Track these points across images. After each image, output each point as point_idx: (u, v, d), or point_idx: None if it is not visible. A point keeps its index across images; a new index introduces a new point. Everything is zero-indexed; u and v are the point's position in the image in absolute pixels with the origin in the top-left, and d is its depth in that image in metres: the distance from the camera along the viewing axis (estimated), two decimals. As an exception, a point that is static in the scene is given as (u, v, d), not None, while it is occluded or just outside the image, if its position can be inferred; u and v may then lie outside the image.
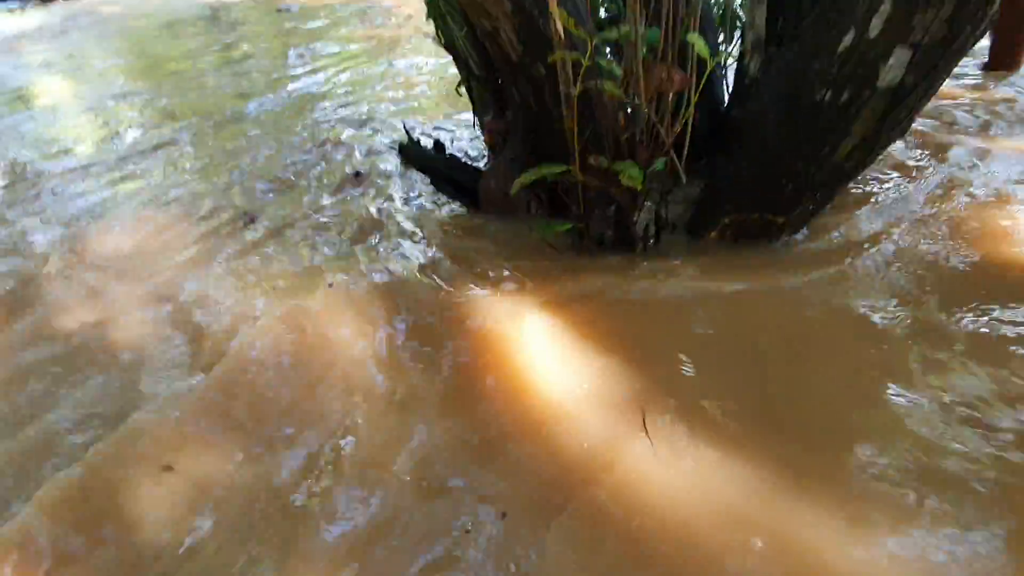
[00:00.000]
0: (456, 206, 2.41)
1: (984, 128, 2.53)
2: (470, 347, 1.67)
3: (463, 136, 3.06)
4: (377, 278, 2.00)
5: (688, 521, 1.15)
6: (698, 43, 1.47)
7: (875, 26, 1.39)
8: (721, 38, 2.27)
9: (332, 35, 5.80)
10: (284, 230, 2.37)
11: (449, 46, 2.45)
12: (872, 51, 1.41)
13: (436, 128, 3.27)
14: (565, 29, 1.56)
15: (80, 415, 1.58)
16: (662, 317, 1.69)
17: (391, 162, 2.83)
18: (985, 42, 2.99)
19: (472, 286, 1.91)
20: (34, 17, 8.65)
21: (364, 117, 3.52)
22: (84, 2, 8.91)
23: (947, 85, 1.58)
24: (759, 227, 1.87)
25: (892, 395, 1.36)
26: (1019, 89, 2.88)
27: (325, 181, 2.77)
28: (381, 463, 1.35)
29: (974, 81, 3.00)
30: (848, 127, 1.52)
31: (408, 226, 2.31)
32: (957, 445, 1.23)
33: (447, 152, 2.76)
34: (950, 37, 1.33)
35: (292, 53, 5.33)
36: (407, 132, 2.84)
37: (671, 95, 1.66)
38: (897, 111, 1.46)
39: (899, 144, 2.34)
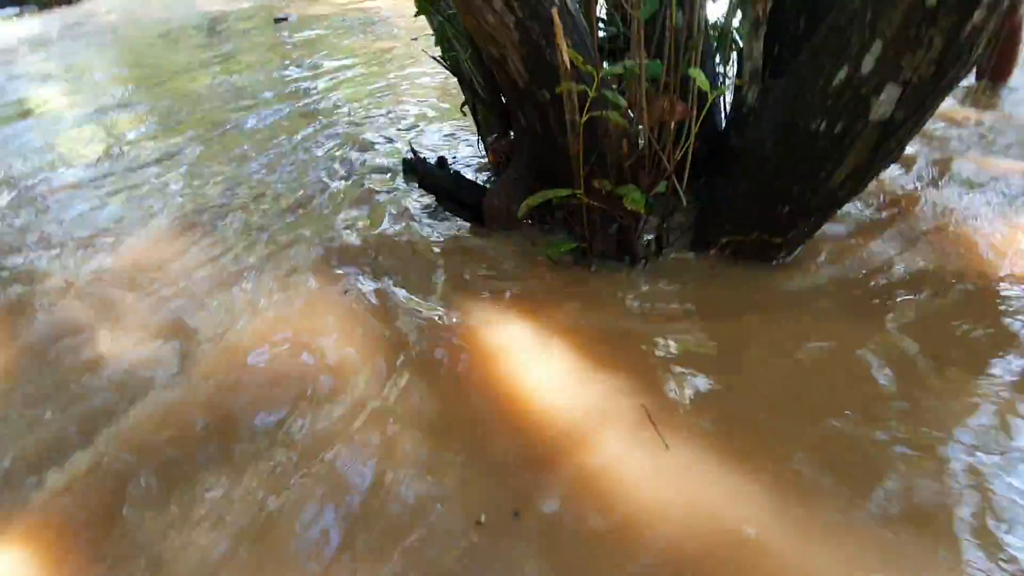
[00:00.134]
0: (459, 222, 2.47)
1: (975, 144, 2.61)
2: (469, 364, 1.73)
3: (465, 152, 3.13)
4: (381, 291, 2.06)
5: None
6: (699, 77, 1.55)
7: (867, 63, 1.47)
8: (718, 58, 2.35)
9: (333, 47, 5.86)
10: (291, 244, 2.43)
11: (455, 69, 2.51)
12: (864, 87, 1.49)
13: (442, 136, 3.33)
14: (571, 61, 1.64)
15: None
16: (660, 336, 1.76)
17: (395, 177, 2.88)
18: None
19: (474, 302, 1.97)
20: (32, 24, 8.66)
21: (367, 131, 3.58)
22: (82, 10, 8.93)
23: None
24: (757, 247, 1.95)
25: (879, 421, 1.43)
26: (1011, 104, 2.97)
27: (330, 195, 2.83)
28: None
29: (965, 91, 3.10)
30: (842, 157, 1.60)
31: (413, 241, 2.37)
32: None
33: (451, 169, 2.82)
34: (938, 76, 1.41)
35: (292, 65, 5.38)
36: (412, 148, 2.90)
37: (673, 124, 1.74)
38: (888, 143, 1.54)
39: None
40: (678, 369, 1.62)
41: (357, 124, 3.74)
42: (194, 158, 3.51)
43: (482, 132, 2.69)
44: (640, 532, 1.22)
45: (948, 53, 1.37)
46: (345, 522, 1.31)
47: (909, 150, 2.54)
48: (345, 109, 4.05)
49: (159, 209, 2.89)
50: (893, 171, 2.39)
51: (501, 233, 2.33)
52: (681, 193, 1.87)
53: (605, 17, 2.32)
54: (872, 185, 2.26)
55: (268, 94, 4.61)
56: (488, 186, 2.47)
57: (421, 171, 2.60)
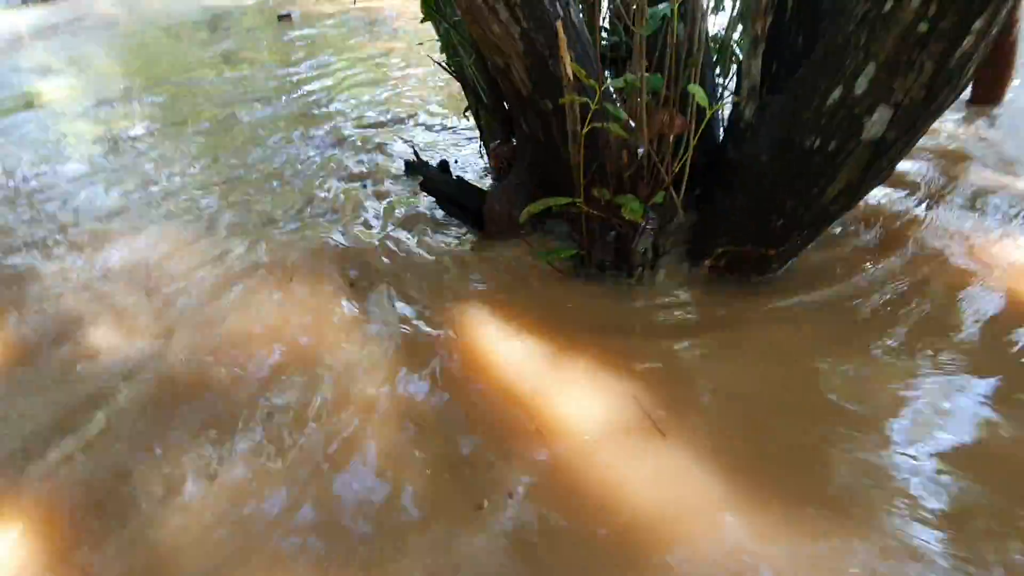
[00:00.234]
0: (460, 226, 2.51)
1: (971, 163, 2.66)
2: (462, 364, 1.77)
3: (466, 155, 3.17)
4: (380, 292, 2.11)
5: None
6: (698, 93, 1.59)
7: (861, 85, 1.52)
8: (718, 70, 2.40)
9: (335, 46, 5.89)
10: (291, 244, 2.47)
11: (459, 75, 2.56)
12: (858, 107, 1.54)
13: (444, 139, 3.37)
14: (574, 74, 1.68)
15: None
16: (655, 344, 1.80)
17: (397, 180, 2.92)
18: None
19: (470, 305, 2.02)
20: (35, 15, 8.66)
21: (367, 131, 3.62)
22: (84, 1, 8.92)
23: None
24: (751, 258, 2.00)
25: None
26: (1004, 123, 3.03)
27: (330, 195, 2.86)
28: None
29: (957, 116, 3.16)
30: (835, 173, 1.65)
31: (413, 244, 2.41)
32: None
33: (453, 173, 2.86)
34: (928, 99, 1.46)
35: (294, 63, 5.41)
36: (415, 151, 2.94)
37: (672, 137, 1.78)
38: (880, 161, 1.59)
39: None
40: (671, 373, 1.67)
41: (358, 124, 3.77)
42: (194, 154, 3.54)
43: (484, 137, 2.73)
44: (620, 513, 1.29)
45: (938, 77, 1.43)
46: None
47: (910, 168, 2.60)
48: (346, 108, 4.09)
49: (159, 204, 2.92)
50: (892, 192, 2.43)
51: (501, 237, 2.37)
52: (678, 204, 1.92)
53: (608, 26, 2.37)
54: (872, 205, 2.33)
55: (270, 91, 4.65)
56: (489, 190, 2.52)
57: (424, 174, 2.64)
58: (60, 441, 1.61)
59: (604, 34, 2.29)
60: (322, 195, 2.87)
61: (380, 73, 4.84)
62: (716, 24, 2.41)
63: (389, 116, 3.85)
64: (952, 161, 2.66)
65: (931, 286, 1.92)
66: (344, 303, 2.09)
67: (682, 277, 2.06)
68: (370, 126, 3.72)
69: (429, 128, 3.62)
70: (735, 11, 2.29)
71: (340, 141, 3.51)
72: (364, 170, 3.07)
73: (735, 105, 1.94)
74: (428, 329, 1.93)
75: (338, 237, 2.50)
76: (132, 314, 2.13)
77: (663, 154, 1.82)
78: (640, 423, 1.51)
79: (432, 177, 2.58)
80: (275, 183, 3.06)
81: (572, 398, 1.61)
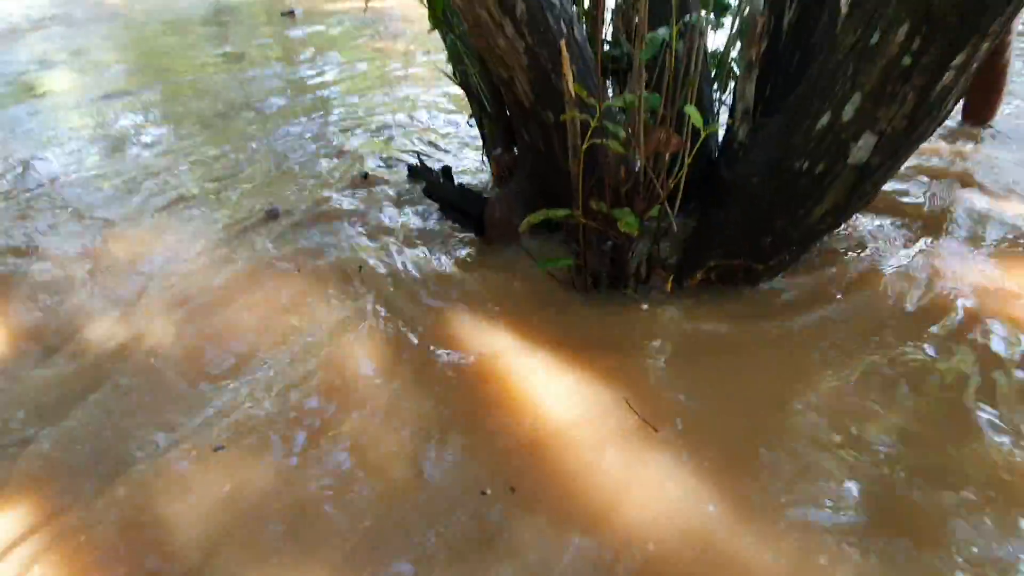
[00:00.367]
0: (460, 231, 2.57)
1: (962, 183, 2.75)
2: (459, 368, 1.85)
3: (467, 161, 3.23)
4: (378, 296, 2.18)
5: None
6: (694, 115, 1.67)
7: (848, 112, 1.60)
8: (715, 85, 2.48)
9: (338, 44, 5.94)
10: (290, 246, 2.53)
11: (464, 83, 2.63)
12: (844, 133, 1.62)
13: (445, 143, 3.44)
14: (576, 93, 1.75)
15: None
16: (647, 351, 1.88)
17: (399, 184, 2.99)
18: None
19: (468, 310, 2.09)
20: (38, 2, 8.64)
21: (369, 133, 3.67)
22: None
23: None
24: (741, 272, 2.08)
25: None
26: (994, 144, 3.13)
27: (330, 198, 2.91)
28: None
29: (951, 131, 3.25)
30: (823, 195, 1.74)
31: (413, 249, 2.48)
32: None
33: (455, 179, 2.93)
34: (910, 129, 1.55)
35: (297, 59, 5.46)
36: (418, 156, 3.00)
37: (667, 155, 1.86)
38: (864, 185, 1.68)
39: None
40: (663, 379, 1.75)
41: (359, 125, 3.82)
42: (193, 148, 3.58)
43: (487, 144, 2.80)
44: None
45: (920, 109, 1.51)
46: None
47: (906, 189, 2.69)
48: (347, 109, 4.14)
49: (158, 198, 2.98)
50: (879, 222, 2.51)
51: (501, 243, 2.45)
52: (672, 218, 2.00)
53: (610, 39, 2.44)
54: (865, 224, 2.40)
55: (272, 87, 4.69)
56: (490, 197, 2.59)
57: (427, 179, 2.71)
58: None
59: (606, 46, 2.36)
60: (325, 194, 2.92)
61: (382, 74, 4.89)
62: (715, 39, 2.49)
63: (389, 118, 3.90)
64: (945, 181, 2.74)
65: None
66: (343, 302, 2.16)
67: (675, 288, 2.14)
68: (370, 127, 3.77)
69: (431, 132, 3.68)
70: (734, 29, 2.37)
71: (343, 144, 3.56)
72: (367, 171, 3.12)
73: (729, 126, 2.02)
74: (425, 330, 2.00)
75: (340, 237, 2.56)
76: (133, 304, 2.19)
77: (659, 170, 1.90)
78: (632, 424, 1.59)
79: (435, 183, 2.65)
80: (278, 180, 3.12)
81: (565, 401, 1.69)
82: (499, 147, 2.68)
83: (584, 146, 1.85)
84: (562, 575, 1.27)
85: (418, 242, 2.52)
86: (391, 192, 2.92)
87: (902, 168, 1.80)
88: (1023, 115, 3.41)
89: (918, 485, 1.41)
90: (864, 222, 2.42)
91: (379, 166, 3.20)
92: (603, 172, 1.99)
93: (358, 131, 3.73)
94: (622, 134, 1.79)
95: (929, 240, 2.31)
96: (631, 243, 2.09)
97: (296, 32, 6.57)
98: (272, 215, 2.72)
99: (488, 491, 1.44)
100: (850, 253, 2.25)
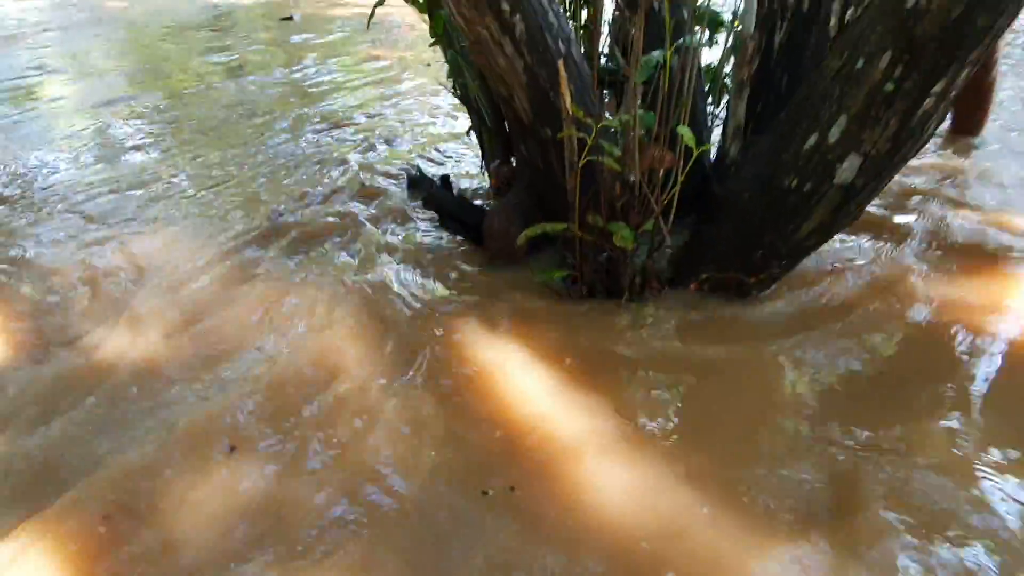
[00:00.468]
0: (457, 241, 2.63)
1: (952, 196, 2.82)
2: (456, 377, 1.90)
3: (465, 172, 3.29)
4: (376, 302, 2.24)
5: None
6: (686, 135, 1.74)
7: (834, 134, 1.67)
8: (710, 99, 2.54)
9: (337, 50, 5.99)
10: (290, 247, 2.59)
11: (464, 96, 2.69)
12: (831, 153, 1.69)
13: (443, 153, 3.49)
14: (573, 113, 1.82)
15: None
16: (639, 361, 1.94)
17: (398, 193, 3.04)
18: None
19: (464, 319, 2.14)
20: (37, 4, 8.66)
21: (368, 140, 3.72)
22: (86, -4, 8.95)
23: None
24: (732, 284, 2.15)
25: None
26: (982, 156, 3.21)
27: (330, 202, 2.97)
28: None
29: (940, 143, 3.34)
30: (810, 212, 1.80)
31: (411, 256, 2.53)
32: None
33: (454, 189, 2.99)
34: (893, 151, 1.61)
35: (296, 65, 5.50)
36: (417, 166, 3.06)
37: (661, 171, 1.93)
38: (848, 205, 1.75)
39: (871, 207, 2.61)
40: (655, 389, 1.81)
41: (358, 133, 3.87)
42: (193, 154, 3.62)
43: (486, 157, 2.86)
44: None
45: (902, 132, 1.58)
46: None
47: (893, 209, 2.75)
48: (346, 115, 4.18)
49: (157, 204, 3.02)
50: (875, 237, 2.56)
51: (499, 254, 2.50)
52: (666, 232, 2.06)
53: (608, 52, 2.51)
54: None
55: (272, 94, 4.74)
56: (489, 208, 2.64)
57: (426, 190, 2.76)
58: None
59: (603, 60, 2.43)
60: (324, 203, 2.97)
61: (381, 81, 4.94)
62: (710, 54, 2.55)
63: (388, 125, 3.95)
64: (934, 196, 2.81)
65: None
66: (343, 311, 2.21)
67: (668, 299, 2.20)
68: (369, 134, 3.81)
69: (429, 140, 3.73)
70: (728, 43, 2.44)
71: (339, 148, 3.60)
72: (363, 179, 3.17)
73: (721, 144, 2.09)
74: (424, 337, 2.06)
75: (339, 246, 2.61)
76: (136, 308, 2.24)
77: (653, 186, 1.96)
78: (624, 433, 1.65)
79: (434, 194, 2.70)
80: (278, 187, 3.16)
81: (560, 408, 1.75)
82: (498, 159, 2.74)
83: (581, 163, 1.92)
84: (562, 574, 1.32)
85: (416, 251, 2.57)
86: (389, 202, 2.97)
87: (890, 183, 1.87)
88: (1010, 127, 3.50)
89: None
90: (851, 238, 2.49)
91: (378, 174, 3.25)
92: (599, 187, 2.06)
93: (357, 138, 3.78)
94: (617, 152, 1.85)
95: (914, 257, 2.38)
96: (626, 256, 2.16)
97: (296, 38, 6.61)
98: (273, 221, 2.77)
99: (490, 492, 1.50)
100: (838, 269, 2.32)
